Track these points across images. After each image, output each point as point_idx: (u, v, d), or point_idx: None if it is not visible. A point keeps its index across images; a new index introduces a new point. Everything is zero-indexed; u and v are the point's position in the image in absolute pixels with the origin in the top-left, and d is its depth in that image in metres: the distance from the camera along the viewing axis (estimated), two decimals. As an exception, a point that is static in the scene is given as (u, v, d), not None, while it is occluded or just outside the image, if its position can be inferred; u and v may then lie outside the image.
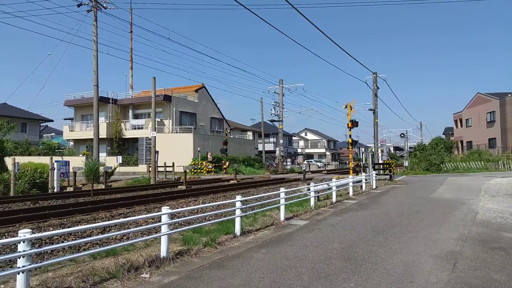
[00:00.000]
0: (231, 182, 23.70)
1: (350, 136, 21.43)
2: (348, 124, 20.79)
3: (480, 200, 13.08)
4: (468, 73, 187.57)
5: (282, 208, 9.32)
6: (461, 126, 54.81)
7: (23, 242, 4.02)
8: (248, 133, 55.72)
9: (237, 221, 7.54)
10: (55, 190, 19.87)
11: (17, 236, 4.08)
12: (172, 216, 6.67)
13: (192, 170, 32.79)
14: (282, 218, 9.18)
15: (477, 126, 48.75)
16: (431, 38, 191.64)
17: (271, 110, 39.22)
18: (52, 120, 51.73)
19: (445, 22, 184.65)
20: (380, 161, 29.23)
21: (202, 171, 33.31)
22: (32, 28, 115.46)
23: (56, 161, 20.87)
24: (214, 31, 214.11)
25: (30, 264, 4.07)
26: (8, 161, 21.27)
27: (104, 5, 25.26)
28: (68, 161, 22.91)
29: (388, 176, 23.20)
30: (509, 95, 43.91)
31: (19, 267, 3.95)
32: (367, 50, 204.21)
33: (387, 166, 25.08)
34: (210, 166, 33.98)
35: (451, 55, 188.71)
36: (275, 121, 40.21)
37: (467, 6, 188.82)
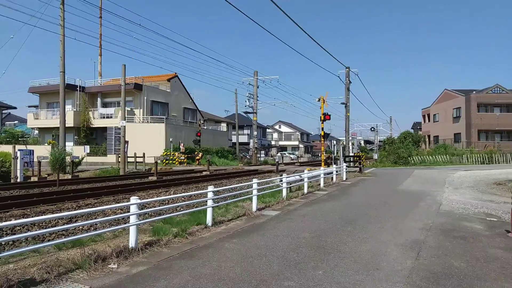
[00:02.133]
0: (204, 173, 23.53)
1: (322, 129, 21.72)
2: (321, 117, 21.05)
3: (444, 192, 13.65)
4: (437, 70, 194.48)
5: (255, 199, 9.34)
6: (429, 121, 56.89)
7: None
8: (222, 124, 55.40)
9: (209, 211, 7.49)
10: (18, 180, 18.99)
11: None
12: (141, 206, 6.53)
13: (164, 161, 32.29)
14: (254, 208, 9.21)
15: (444, 121, 50.76)
16: (405, 36, 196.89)
17: (246, 101, 39.13)
18: (15, 107, 49.30)
19: (416, 21, 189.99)
20: (351, 154, 29.86)
21: (174, 162, 32.87)
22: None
23: (19, 150, 19.91)
24: (189, 20, 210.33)
25: (-13, 255, 3.86)
26: (-33, 149, 20.13)
27: (72, -13, 24.15)
28: (33, 150, 21.90)
29: (358, 169, 23.77)
30: (473, 92, 45.92)
31: (-25, 259, 3.75)
32: (341, 47, 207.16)
33: (357, 158, 25.67)
34: (183, 157, 33.58)
35: (421, 53, 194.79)
36: (249, 112, 40.16)
37: (440, 5, 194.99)
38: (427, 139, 55.56)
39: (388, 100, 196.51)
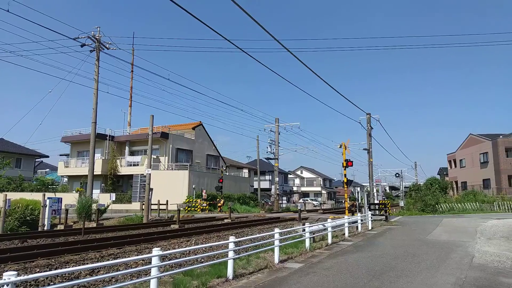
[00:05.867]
0: (225, 221, 23.35)
1: (345, 175, 21.47)
2: (343, 163, 20.92)
3: (476, 242, 12.93)
4: (460, 113, 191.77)
5: (277, 250, 9.15)
6: (455, 166, 55.22)
7: (7, 285, 3.91)
8: (244, 170, 55.66)
9: (230, 264, 7.38)
10: (45, 228, 19.44)
11: (1, 278, 3.97)
12: (163, 258, 6.53)
13: (186, 208, 32.38)
14: (276, 260, 8.99)
15: (471, 166, 49.15)
16: (422, 77, 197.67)
17: (267, 148, 39.53)
18: (47, 156, 51.50)
19: (437, 61, 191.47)
20: (376, 201, 29.09)
21: (196, 209, 32.87)
22: (35, 67, 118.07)
23: (48, 198, 20.57)
24: (212, 71, 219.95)
25: (13, 310, 3.92)
26: (0, 197, 20.95)
27: (107, 46, 26.08)
28: (61, 198, 22.58)
29: (383, 217, 22.99)
30: (500, 136, 44.70)
31: (1, 313, 3.82)
32: (361, 90, 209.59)
33: (383, 206, 24.92)
34: (205, 204, 33.59)
35: (443, 95, 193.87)
36: (271, 159, 40.37)
37: (457, 47, 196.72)
38: (454, 185, 53.59)
39: (411, 145, 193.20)
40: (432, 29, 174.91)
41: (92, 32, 25.31)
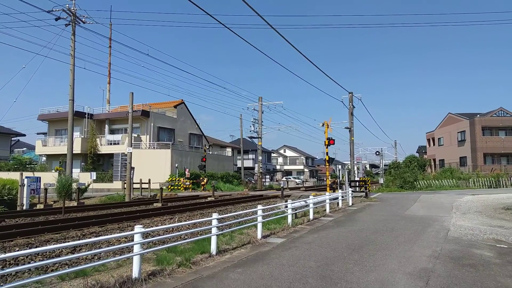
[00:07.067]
0: (209, 199, 23.44)
1: (327, 153, 21.73)
2: (325, 142, 21.13)
3: (452, 217, 13.43)
4: (440, 92, 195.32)
5: (259, 226, 9.26)
6: (434, 144, 56.70)
7: (-15, 264, 3.82)
8: (227, 149, 55.61)
9: (213, 240, 7.43)
10: (24, 208, 19.04)
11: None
12: (145, 235, 6.50)
13: (169, 187, 32.27)
14: (259, 236, 9.11)
15: (449, 145, 50.55)
16: (405, 58, 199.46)
17: (251, 126, 39.47)
18: (24, 135, 50.06)
19: (419, 42, 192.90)
20: (356, 178, 29.69)
21: (179, 188, 32.83)
22: (6, 40, 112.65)
23: (26, 177, 20.07)
24: (194, 48, 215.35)
25: (-9, 288, 3.85)
26: (-26, 177, 20.32)
27: (83, 19, 25.03)
28: (40, 177, 22.07)
29: (364, 193, 23.55)
30: (477, 115, 45.94)
31: (-22, 291, 3.73)
32: (344, 70, 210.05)
33: (363, 183, 25.48)
34: (188, 183, 33.55)
35: (424, 75, 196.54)
36: (254, 137, 40.42)
37: (436, 28, 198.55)
38: (432, 163, 55.16)
39: (392, 124, 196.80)
40: (414, 8, 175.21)
41: (67, 5, 24.21)
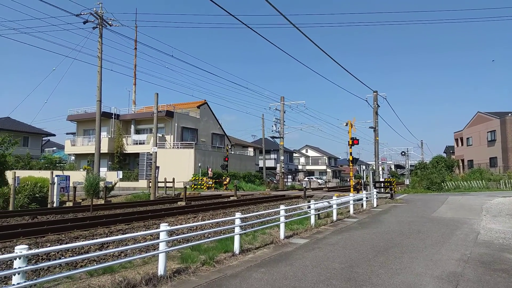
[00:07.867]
0: (231, 198, 23.57)
1: (351, 153, 21.42)
2: (349, 141, 20.83)
3: (481, 220, 12.96)
4: (468, 91, 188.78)
5: (282, 226, 9.24)
6: (462, 145, 54.80)
7: (19, 258, 3.99)
8: (249, 149, 55.77)
9: (236, 239, 7.47)
10: (55, 205, 19.77)
11: (13, 252, 4.04)
12: (170, 233, 6.62)
13: (193, 186, 32.70)
14: (282, 236, 9.09)
15: (478, 145, 48.73)
16: (431, 56, 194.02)
17: (272, 126, 39.38)
18: (54, 135, 51.94)
19: (446, 40, 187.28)
20: (381, 179, 29.09)
21: (202, 187, 33.20)
22: (38, 44, 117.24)
23: (56, 176, 20.83)
24: (216, 48, 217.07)
25: (25, 282, 4.01)
26: (9, 175, 21.25)
27: (110, 22, 25.71)
28: (69, 176, 22.87)
29: (389, 195, 23.06)
30: (509, 114, 44.07)
31: (13, 285, 3.90)
32: (368, 68, 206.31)
33: (388, 184, 24.96)
34: (211, 182, 33.88)
35: (451, 73, 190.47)
36: (276, 137, 40.29)
37: (470, 25, 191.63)
38: (460, 164, 53.33)
39: (418, 123, 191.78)
40: (440, 5, 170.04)
41: (94, 9, 24.93)
